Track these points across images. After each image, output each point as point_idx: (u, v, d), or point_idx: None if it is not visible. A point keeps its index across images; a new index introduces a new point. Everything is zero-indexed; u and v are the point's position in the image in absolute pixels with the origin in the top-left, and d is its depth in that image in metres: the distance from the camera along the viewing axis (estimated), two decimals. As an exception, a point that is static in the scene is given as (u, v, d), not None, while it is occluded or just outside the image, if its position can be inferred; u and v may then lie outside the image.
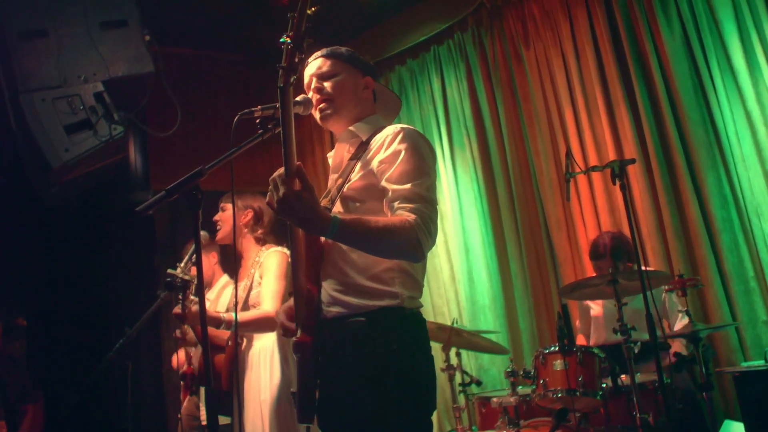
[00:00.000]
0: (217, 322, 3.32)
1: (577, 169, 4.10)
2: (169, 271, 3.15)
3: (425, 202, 2.09)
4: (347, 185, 2.22)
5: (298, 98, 2.28)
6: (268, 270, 3.57)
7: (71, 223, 5.94)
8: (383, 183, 2.15)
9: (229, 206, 3.77)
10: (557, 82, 5.34)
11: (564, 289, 3.98)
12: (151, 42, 4.31)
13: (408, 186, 2.11)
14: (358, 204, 2.20)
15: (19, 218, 5.64)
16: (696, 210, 4.58)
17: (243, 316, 3.39)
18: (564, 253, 5.21)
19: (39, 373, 5.81)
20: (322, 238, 2.20)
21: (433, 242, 2.09)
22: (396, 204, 2.10)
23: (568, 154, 3.84)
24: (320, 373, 2.17)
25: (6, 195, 5.21)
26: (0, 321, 5.55)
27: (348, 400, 2.10)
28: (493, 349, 4.55)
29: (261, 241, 3.76)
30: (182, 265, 3.41)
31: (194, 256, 3.44)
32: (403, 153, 2.16)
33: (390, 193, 2.13)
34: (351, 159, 2.32)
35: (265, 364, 3.51)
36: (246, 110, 2.16)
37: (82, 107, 3.94)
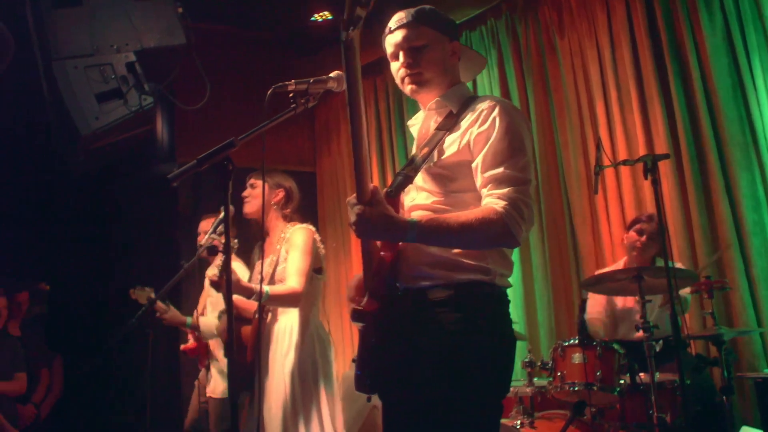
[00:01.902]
0: (249, 292, 3.37)
1: (607, 162, 4.07)
2: (212, 236, 3.18)
3: (518, 184, 2.03)
4: (437, 159, 2.18)
5: (332, 74, 2.26)
6: (294, 246, 3.60)
7: (95, 192, 6.02)
8: (476, 163, 2.10)
9: (259, 183, 3.78)
10: (590, 74, 5.29)
11: (587, 282, 3.96)
12: (183, 15, 4.34)
13: (500, 169, 2.05)
14: (449, 182, 2.15)
15: (44, 187, 5.72)
16: (726, 211, 4.52)
17: (273, 289, 3.44)
18: (587, 247, 5.18)
19: (59, 336, 5.91)
20: (403, 204, 2.21)
21: (530, 224, 2.04)
22: (486, 190, 2.06)
23: (599, 145, 3.80)
24: (389, 341, 2.12)
25: (32, 163, 5.27)
26: (26, 287, 5.66)
27: (417, 371, 2.06)
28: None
29: (288, 218, 3.78)
30: (212, 234, 3.45)
31: (216, 229, 3.51)
32: (497, 130, 2.09)
33: (482, 179, 2.08)
34: (438, 129, 2.24)
35: (290, 341, 3.54)
36: (279, 84, 2.16)
37: (113, 76, 3.98)
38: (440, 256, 2.10)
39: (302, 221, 3.79)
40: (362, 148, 2.02)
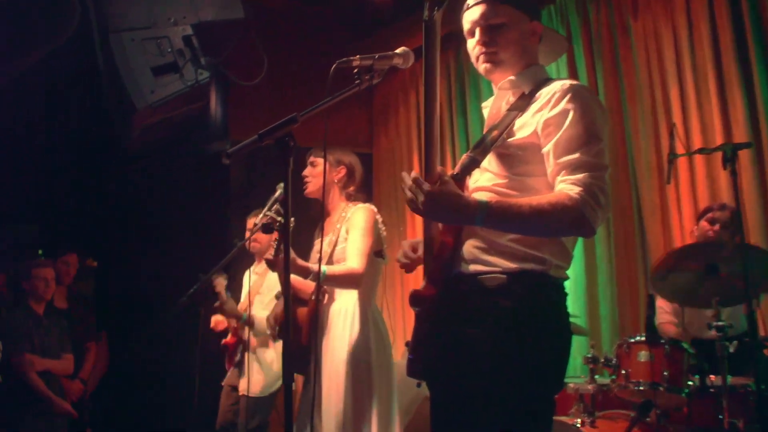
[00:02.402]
0: (306, 272, 3.37)
1: (681, 150, 3.95)
2: (267, 213, 3.18)
3: (593, 170, 2.01)
4: (507, 139, 2.17)
5: (398, 50, 2.25)
6: (354, 226, 3.58)
7: (147, 169, 6.11)
8: (547, 149, 2.09)
9: (320, 161, 3.75)
10: (665, 57, 5.14)
11: (656, 275, 3.82)
12: (241, -12, 4.36)
13: (576, 155, 2.03)
14: (515, 164, 2.15)
15: (96, 163, 5.82)
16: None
17: (331, 269, 3.43)
18: (656, 240, 5.05)
19: (106, 313, 6.04)
20: (467, 187, 2.21)
21: (606, 212, 2.02)
22: (560, 177, 2.04)
23: (673, 133, 3.69)
24: (442, 327, 2.15)
25: (86, 138, 5.38)
26: (78, 260, 5.77)
27: (466, 359, 2.07)
28: (572, 330, 4.46)
29: (350, 198, 3.77)
30: (262, 213, 3.46)
31: (271, 207, 3.51)
32: (571, 114, 2.07)
33: (555, 165, 2.06)
34: (510, 110, 2.24)
35: (345, 324, 3.53)
36: (344, 59, 2.16)
37: (169, 50, 4.04)
38: (494, 241, 2.11)
39: (365, 201, 3.78)
40: (434, 127, 2.03)
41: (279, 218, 3.12)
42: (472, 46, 2.30)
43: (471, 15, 2.27)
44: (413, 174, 2.02)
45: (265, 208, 3.53)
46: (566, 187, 2.00)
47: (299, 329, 3.53)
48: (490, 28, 2.23)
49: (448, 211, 1.98)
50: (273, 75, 4.92)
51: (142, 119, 4.11)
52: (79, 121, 5.14)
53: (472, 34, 2.29)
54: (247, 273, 5.11)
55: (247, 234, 4.95)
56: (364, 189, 3.97)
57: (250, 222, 5.07)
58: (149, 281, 6.08)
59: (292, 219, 3.31)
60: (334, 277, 3.44)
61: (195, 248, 5.77)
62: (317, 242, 3.76)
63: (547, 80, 2.25)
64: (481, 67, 2.28)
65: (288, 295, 1.92)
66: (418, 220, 6.48)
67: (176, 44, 4.01)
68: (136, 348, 5.66)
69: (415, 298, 2.16)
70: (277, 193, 3.51)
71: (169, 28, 4.04)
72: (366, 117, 7.55)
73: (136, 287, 6.21)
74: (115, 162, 5.84)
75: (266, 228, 3.13)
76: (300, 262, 3.36)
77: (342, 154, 3.84)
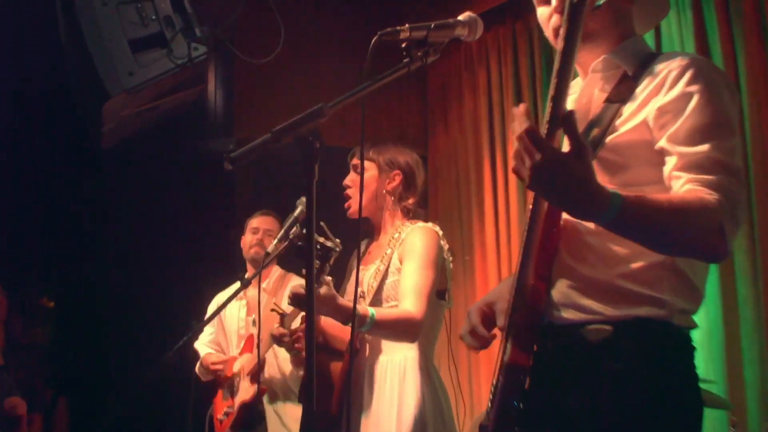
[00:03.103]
0: (347, 315, 3.22)
1: None
2: (288, 236, 3.16)
3: (729, 174, 1.97)
4: (606, 139, 2.13)
5: (461, 17, 2.22)
6: (412, 252, 3.49)
7: (126, 173, 6.16)
8: (662, 142, 2.04)
9: (368, 165, 3.70)
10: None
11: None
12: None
13: (703, 148, 1.98)
14: (619, 171, 2.11)
15: (58, 164, 5.88)
16: None
17: (381, 313, 3.32)
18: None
19: (65, 370, 6.07)
20: (563, 216, 2.15)
21: (739, 229, 1.99)
22: (685, 174, 1.99)
23: None
24: (529, 400, 2.10)
25: (42, 131, 5.43)
26: (17, 299, 5.77)
27: None
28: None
29: (409, 214, 3.71)
30: (274, 243, 3.44)
31: (290, 231, 3.49)
32: (695, 98, 2.03)
33: (674, 158, 2.02)
34: (609, 100, 2.20)
35: (393, 389, 3.45)
36: (388, 29, 2.11)
37: (154, 17, 4.06)
38: (594, 278, 2.11)
39: (426, 218, 3.73)
40: (568, 77, 1.93)
41: (327, 243, 3.07)
42: (546, 16, 2.27)
43: None
44: (526, 123, 1.88)
45: (282, 231, 3.51)
46: (696, 188, 1.96)
47: (329, 392, 3.48)
48: None
49: (568, 194, 1.86)
50: (292, 51, 4.93)
51: (117, 109, 4.14)
52: (36, 111, 5.21)
53: (545, 1, 2.28)
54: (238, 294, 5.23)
55: (248, 239, 5.09)
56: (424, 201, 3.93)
57: (251, 222, 5.16)
58: (127, 327, 6.11)
59: (337, 241, 3.30)
60: (385, 323, 3.32)
61: (188, 280, 5.79)
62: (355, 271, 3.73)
63: (652, 56, 2.23)
64: (561, 43, 2.22)
65: (312, 343, 1.88)
66: (491, 245, 6.43)
67: (163, 9, 4.03)
68: (107, 420, 5.67)
69: (511, 370, 2.12)
70: (298, 211, 3.48)
71: (154, -13, 4.07)
72: (419, 107, 7.54)
73: (110, 335, 6.25)
74: (83, 164, 5.90)
75: (298, 253, 3.08)
76: (341, 301, 3.24)
77: (396, 153, 3.75)
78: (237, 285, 5.23)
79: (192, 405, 3.75)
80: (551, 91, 1.91)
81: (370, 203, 3.67)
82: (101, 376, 6.05)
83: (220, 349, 5.18)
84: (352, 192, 3.68)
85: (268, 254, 3.59)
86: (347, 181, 3.73)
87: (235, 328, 5.17)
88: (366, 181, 3.66)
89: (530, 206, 2.13)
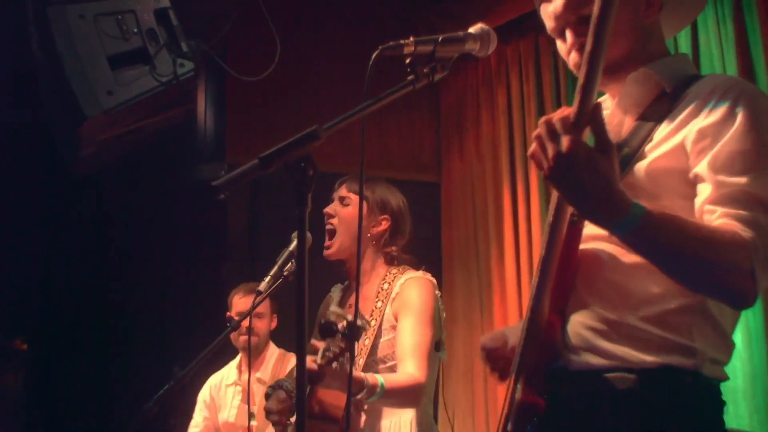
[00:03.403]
0: (360, 387, 3.20)
1: None
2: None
3: (766, 212, 1.97)
4: (638, 162, 2.13)
5: (471, 29, 2.21)
6: (409, 309, 3.53)
7: (106, 204, 6.17)
8: (699, 168, 2.04)
9: (353, 197, 3.71)
10: None
11: None
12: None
13: (741, 180, 1.98)
14: (648, 201, 2.04)
15: (29, 194, 5.88)
16: None
17: (389, 380, 3.30)
18: None
19: (40, 419, 6.05)
20: (587, 246, 2.16)
21: (767, 280, 1.96)
22: (719, 208, 1.99)
23: None
24: None
25: (13, 158, 5.44)
26: None
27: None
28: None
29: (393, 261, 3.74)
30: (266, 281, 3.44)
31: (284, 267, 3.50)
32: (738, 122, 2.03)
33: (709, 187, 2.02)
34: (643, 118, 2.21)
35: None
36: (391, 43, 2.11)
37: (136, 30, 4.06)
38: (617, 320, 2.09)
39: (414, 265, 3.75)
40: (600, 56, 1.91)
41: (346, 316, 3.06)
42: (566, 50, 2.30)
43: (552, 8, 2.29)
44: (559, 112, 1.90)
45: (275, 267, 3.51)
46: (729, 222, 1.95)
47: None
48: (584, 22, 2.17)
49: (587, 192, 1.86)
50: (289, 66, 4.95)
51: (95, 132, 4.13)
52: (5, 136, 5.22)
53: (560, 34, 2.29)
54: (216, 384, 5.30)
55: (234, 317, 5.06)
56: (427, 237, 3.94)
57: (238, 302, 5.21)
58: (107, 372, 6.10)
59: (368, 318, 3.29)
60: (394, 391, 3.31)
61: (175, 322, 5.79)
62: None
63: (693, 77, 2.23)
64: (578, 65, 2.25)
65: (303, 393, 1.88)
66: (511, 283, 6.41)
67: (145, 22, 4.02)
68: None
69: (523, 411, 2.10)
70: (293, 245, 3.49)
71: (136, -2, 4.09)
72: (431, 129, 7.55)
73: (88, 383, 6.23)
74: (58, 194, 5.91)
75: (326, 330, 3.08)
76: (358, 374, 3.25)
77: (388, 193, 3.80)
78: (234, 362, 5.31)
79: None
80: (579, 83, 1.91)
81: (352, 245, 3.66)
82: (78, 425, 6.03)
83: None
84: (336, 224, 3.69)
85: (260, 293, 3.58)
86: (329, 209, 3.73)
87: (226, 415, 5.24)
88: (349, 216, 3.68)
89: (550, 219, 2.13)
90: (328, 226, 3.73)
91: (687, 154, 2.08)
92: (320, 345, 3.14)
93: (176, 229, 6.22)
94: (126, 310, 6.16)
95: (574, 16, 2.23)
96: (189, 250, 6.22)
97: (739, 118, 2.03)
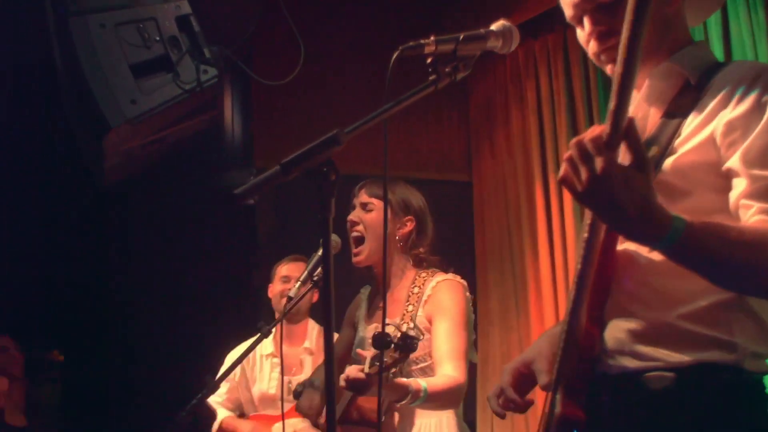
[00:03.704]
0: (404, 393, 3.20)
1: None
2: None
3: None
4: (667, 159, 2.07)
5: (493, 26, 2.17)
6: (443, 312, 3.53)
7: (134, 213, 6.18)
8: (731, 162, 1.99)
9: (376, 201, 3.70)
10: None
11: None
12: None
13: None
14: (680, 197, 2.05)
15: (57, 206, 5.90)
16: None
17: (431, 384, 3.31)
18: None
19: (78, 428, 6.07)
20: (620, 247, 2.11)
21: None
22: (755, 203, 1.95)
23: None
24: None
25: (39, 172, 5.45)
26: (23, 353, 5.81)
27: None
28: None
29: (422, 263, 3.72)
30: (297, 286, 3.42)
31: (314, 272, 3.47)
32: None
33: (743, 182, 1.98)
34: (669, 114, 2.16)
35: None
36: (411, 43, 2.08)
37: (158, 38, 4.07)
38: (654, 320, 2.07)
39: (443, 267, 3.73)
40: (635, 65, 1.83)
41: (404, 330, 3.05)
42: (584, 38, 2.26)
43: None
44: (591, 130, 1.83)
45: (305, 272, 3.49)
46: (767, 219, 1.92)
47: None
48: (602, 9, 2.18)
49: (630, 208, 1.78)
50: (314, 69, 4.92)
51: (120, 142, 4.13)
52: (33, 149, 5.23)
53: (578, 21, 2.26)
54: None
55: (278, 288, 5.09)
56: (458, 238, 3.91)
57: (282, 268, 5.18)
58: (140, 382, 6.11)
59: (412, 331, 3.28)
60: (437, 395, 3.31)
61: (207, 330, 5.79)
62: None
63: (717, 65, 2.19)
64: (608, 67, 2.23)
65: (332, 395, 1.85)
66: (546, 282, 6.35)
67: (167, 29, 4.03)
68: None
69: (564, 425, 2.09)
70: (322, 251, 3.47)
71: (157, 5, 4.08)
72: (460, 128, 7.52)
73: (124, 389, 6.24)
74: (86, 205, 5.92)
75: (380, 341, 3.05)
76: (399, 380, 3.21)
77: (409, 194, 3.79)
78: (270, 338, 5.26)
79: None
80: (611, 104, 1.83)
81: (379, 249, 3.63)
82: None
83: (238, 408, 5.17)
84: (362, 231, 3.69)
85: (290, 299, 3.57)
86: (353, 217, 3.73)
87: (265, 387, 5.17)
88: (375, 221, 3.66)
89: (585, 236, 2.10)
90: (355, 233, 3.72)
91: (717, 147, 2.03)
92: (367, 354, 3.14)
93: (207, 236, 6.22)
94: (159, 320, 6.17)
95: (591, 4, 2.19)
96: (220, 258, 6.22)
97: None
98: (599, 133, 1.78)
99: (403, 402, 3.23)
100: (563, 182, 1.84)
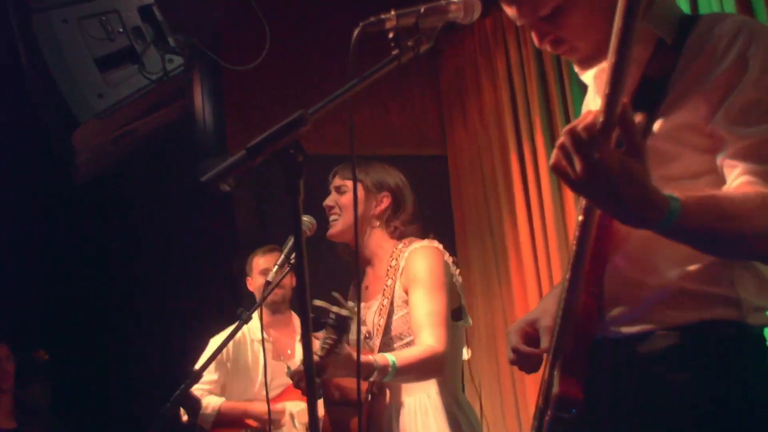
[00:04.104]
0: (368, 370, 3.19)
1: None
2: (317, 302, 3.13)
3: None
4: (655, 124, 2.06)
5: None
6: (416, 279, 3.50)
7: (110, 208, 6.16)
8: (714, 122, 1.99)
9: (349, 183, 3.71)
10: None
11: None
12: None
13: (760, 130, 1.94)
14: (666, 162, 2.05)
15: (34, 203, 5.88)
16: None
17: (401, 357, 3.28)
18: None
19: (68, 428, 6.07)
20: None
21: None
22: (740, 164, 1.96)
23: None
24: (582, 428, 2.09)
25: (14, 170, 5.43)
26: (15, 363, 5.80)
27: None
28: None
29: (397, 235, 3.72)
30: (274, 270, 3.43)
31: (290, 256, 3.48)
32: (751, 69, 1.97)
33: (727, 142, 1.98)
34: (648, 78, 2.14)
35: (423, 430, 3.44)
36: (372, 19, 2.07)
37: (122, 29, 4.04)
38: (654, 283, 2.07)
39: (421, 235, 3.72)
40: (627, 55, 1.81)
41: (337, 310, 3.06)
42: (538, 44, 2.27)
43: (510, 13, 2.24)
44: (583, 117, 1.80)
45: (282, 257, 3.50)
46: (754, 181, 1.92)
47: None
48: (544, 21, 2.18)
49: (627, 195, 1.77)
50: (283, 52, 4.92)
51: (90, 137, 4.11)
52: (4, 149, 5.21)
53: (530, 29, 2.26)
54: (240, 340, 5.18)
55: (259, 282, 5.10)
56: (437, 213, 3.92)
57: (259, 261, 5.23)
58: (124, 375, 6.12)
59: (352, 305, 3.27)
60: (409, 367, 3.29)
61: (190, 321, 5.78)
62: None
63: (688, 19, 2.16)
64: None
65: (314, 406, 1.85)
66: (526, 250, 6.37)
67: (130, 20, 4.00)
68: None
69: (562, 403, 2.06)
70: (291, 242, 3.49)
71: (119, -3, 4.06)
72: (432, 102, 7.51)
73: (107, 384, 6.24)
74: (61, 203, 5.90)
75: (316, 324, 3.07)
76: (365, 357, 3.23)
77: (384, 173, 3.79)
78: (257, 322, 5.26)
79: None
80: (605, 90, 1.80)
81: (353, 229, 3.62)
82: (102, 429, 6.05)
83: (225, 395, 5.18)
84: (338, 213, 3.69)
85: (269, 283, 3.58)
86: (329, 201, 3.74)
87: (259, 370, 5.19)
88: (349, 201, 3.67)
89: (580, 218, 2.06)
90: (332, 217, 3.73)
91: (701, 108, 2.03)
92: (319, 336, 3.14)
93: (185, 226, 6.21)
94: (139, 312, 6.17)
95: (531, 19, 2.19)
96: (199, 247, 6.21)
97: (751, 64, 1.98)
98: (592, 120, 1.75)
99: (372, 378, 3.22)
100: (555, 170, 1.82)
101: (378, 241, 3.72)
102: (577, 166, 1.74)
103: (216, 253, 6.27)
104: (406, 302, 3.51)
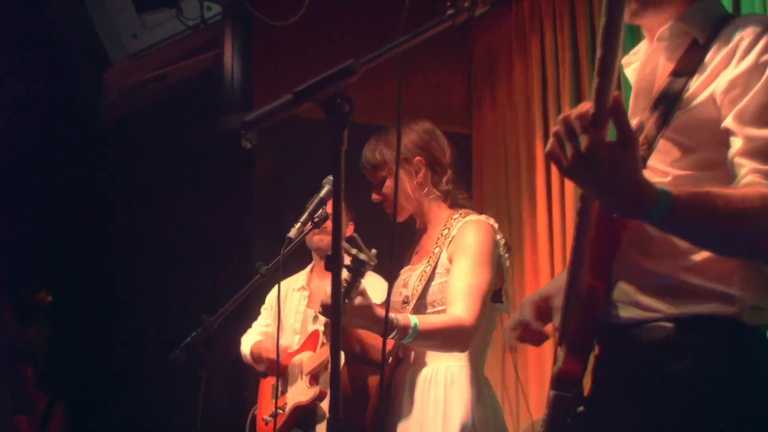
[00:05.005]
0: (389, 326, 3.12)
1: None
2: (343, 244, 3.09)
3: None
4: (674, 117, 2.09)
5: None
6: (463, 250, 3.40)
7: (130, 153, 6.15)
8: (728, 121, 2.00)
9: (382, 172, 3.62)
10: None
11: None
12: None
13: None
14: (685, 154, 2.08)
15: (55, 146, 5.87)
16: None
17: (424, 321, 3.22)
18: None
19: (63, 372, 6.07)
20: None
21: None
22: (748, 163, 1.97)
23: None
24: (588, 411, 2.11)
25: (36, 107, 5.42)
26: (9, 300, 5.80)
27: None
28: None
29: (455, 200, 3.64)
30: (296, 227, 3.40)
31: (317, 210, 3.45)
32: None
33: (739, 140, 1.99)
34: (676, 73, 2.17)
35: (438, 405, 3.39)
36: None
37: (161, -29, 4.03)
38: (658, 272, 2.11)
39: (476, 209, 3.62)
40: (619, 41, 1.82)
41: (361, 255, 3.01)
42: None
43: None
44: (578, 108, 1.82)
45: (305, 214, 3.47)
46: (759, 181, 1.93)
47: (363, 406, 3.43)
48: None
49: (615, 184, 1.80)
50: (317, 12, 4.87)
51: (120, 78, 4.11)
52: (29, 85, 5.20)
53: None
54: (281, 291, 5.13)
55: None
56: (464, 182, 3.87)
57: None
58: (132, 322, 6.12)
59: (374, 251, 3.23)
60: (431, 333, 3.23)
61: (200, 272, 5.79)
62: (402, 273, 3.65)
63: (726, 19, 2.18)
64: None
65: (337, 362, 1.83)
66: (543, 236, 6.35)
67: (171, -37, 4.01)
68: (109, 424, 5.68)
69: (562, 381, 2.11)
70: (324, 191, 3.44)
71: (160, -62, 4.06)
72: (462, 79, 7.47)
73: (113, 332, 6.25)
74: (83, 143, 5.90)
75: (356, 269, 3.03)
76: (378, 311, 3.16)
77: (415, 136, 3.67)
78: (305, 272, 5.27)
79: (201, 408, 3.71)
80: (595, 82, 1.82)
81: (408, 204, 3.58)
82: (102, 377, 6.06)
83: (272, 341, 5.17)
84: (390, 204, 3.59)
85: (290, 240, 3.54)
86: (375, 198, 3.66)
87: (291, 321, 5.18)
88: (391, 189, 3.56)
89: (580, 204, 2.12)
90: (389, 210, 3.64)
91: (718, 106, 2.05)
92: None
93: (203, 179, 6.21)
94: (151, 259, 6.17)
95: None
96: (215, 201, 6.21)
97: None
98: (585, 110, 1.78)
99: (391, 336, 3.16)
100: (550, 156, 1.85)
101: (436, 210, 3.62)
102: (569, 153, 1.79)
103: (231, 208, 6.26)
104: (448, 271, 3.43)
